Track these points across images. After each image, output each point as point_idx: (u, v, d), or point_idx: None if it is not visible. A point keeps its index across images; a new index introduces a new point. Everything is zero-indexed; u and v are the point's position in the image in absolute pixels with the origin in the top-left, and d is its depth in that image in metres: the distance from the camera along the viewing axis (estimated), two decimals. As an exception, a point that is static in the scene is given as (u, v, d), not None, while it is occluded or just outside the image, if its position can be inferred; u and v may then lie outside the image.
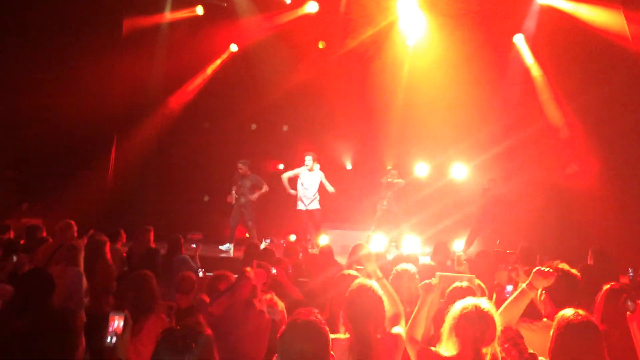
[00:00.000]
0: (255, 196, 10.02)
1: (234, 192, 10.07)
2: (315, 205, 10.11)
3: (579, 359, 2.48)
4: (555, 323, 2.63)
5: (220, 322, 2.23)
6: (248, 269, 2.38)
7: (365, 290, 2.96)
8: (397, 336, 2.98)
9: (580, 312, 2.62)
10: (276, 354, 2.00)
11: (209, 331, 2.01)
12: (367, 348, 2.79)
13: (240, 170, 10.05)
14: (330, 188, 10.15)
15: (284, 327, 2.05)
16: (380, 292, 2.99)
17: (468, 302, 2.76)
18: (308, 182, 10.07)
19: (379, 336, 2.87)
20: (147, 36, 11.67)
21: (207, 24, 11.87)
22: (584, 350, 2.48)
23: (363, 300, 2.91)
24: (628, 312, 3.26)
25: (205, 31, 11.78)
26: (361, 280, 3.11)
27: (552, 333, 2.64)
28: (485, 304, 2.74)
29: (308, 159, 10.02)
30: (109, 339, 2.57)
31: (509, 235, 9.61)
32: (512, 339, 2.71)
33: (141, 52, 11.32)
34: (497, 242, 9.51)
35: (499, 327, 2.67)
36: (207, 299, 3.18)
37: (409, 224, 10.72)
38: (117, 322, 2.58)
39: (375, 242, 9.77)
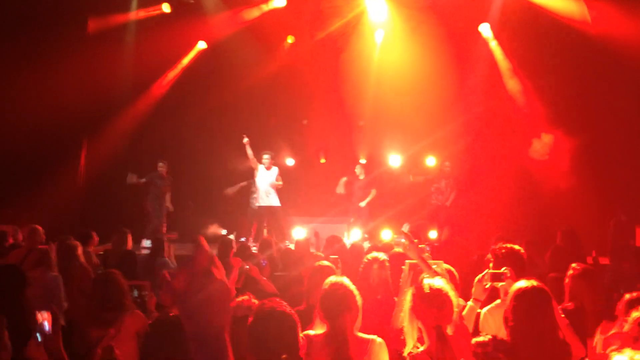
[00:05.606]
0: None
1: None
2: (275, 201, 10.19)
3: (530, 323, 2.59)
4: (510, 295, 2.75)
5: (185, 295, 2.29)
6: (203, 238, 2.44)
7: (338, 286, 3.00)
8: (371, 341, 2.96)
9: (534, 282, 2.73)
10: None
11: None
12: (343, 343, 2.83)
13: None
14: (278, 183, 10.24)
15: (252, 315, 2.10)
16: (352, 287, 3.02)
17: (424, 282, 2.75)
18: (266, 179, 10.15)
19: (357, 332, 2.92)
20: (113, 35, 11.47)
21: (174, 21, 11.71)
22: (535, 315, 2.60)
23: (337, 296, 2.94)
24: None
25: (172, 29, 11.61)
26: (334, 276, 3.16)
27: (508, 302, 2.75)
28: (438, 281, 2.73)
29: (266, 158, 10.14)
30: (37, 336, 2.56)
31: (487, 224, 9.78)
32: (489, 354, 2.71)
33: (108, 51, 11.10)
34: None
35: (455, 303, 2.67)
36: (168, 276, 3.19)
37: (385, 216, 10.80)
38: (42, 319, 2.54)
39: (353, 234, 9.85)
